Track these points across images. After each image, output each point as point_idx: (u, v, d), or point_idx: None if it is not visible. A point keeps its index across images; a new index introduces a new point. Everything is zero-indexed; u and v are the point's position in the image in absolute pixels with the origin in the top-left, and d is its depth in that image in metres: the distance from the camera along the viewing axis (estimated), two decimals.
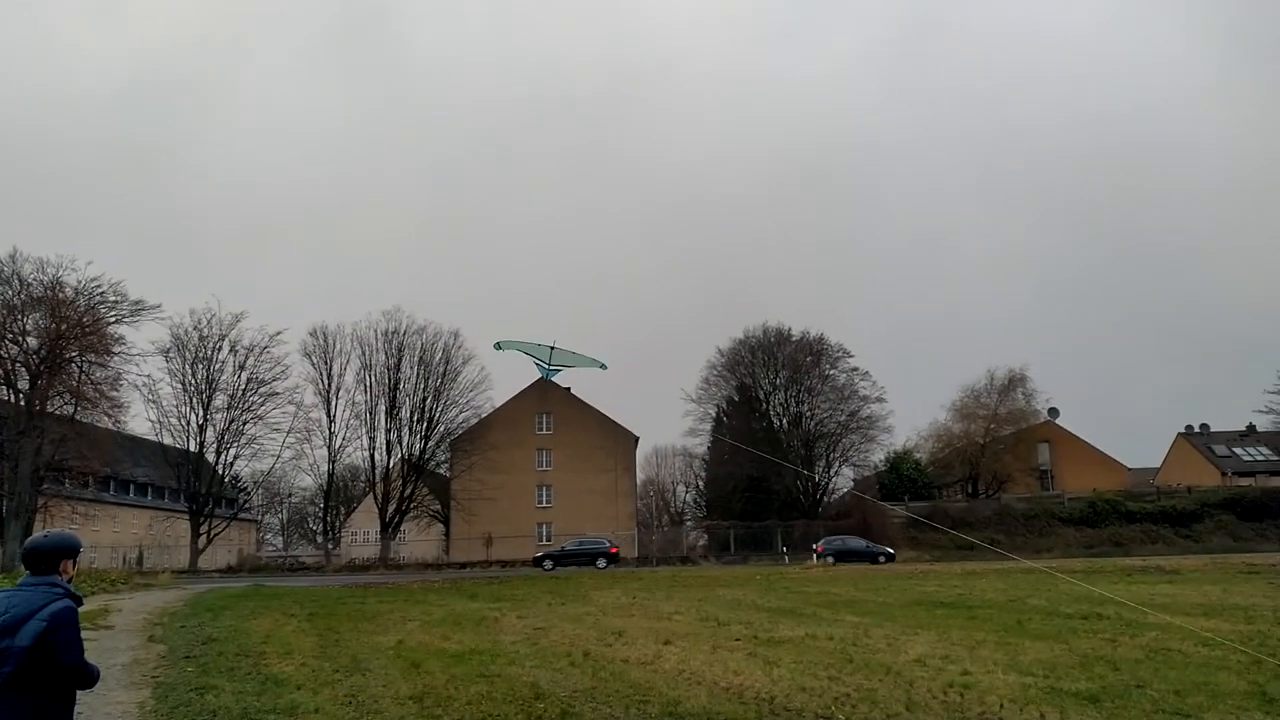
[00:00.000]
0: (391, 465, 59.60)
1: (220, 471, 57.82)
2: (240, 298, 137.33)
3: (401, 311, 60.75)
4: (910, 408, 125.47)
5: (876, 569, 39.84)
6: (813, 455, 62.09)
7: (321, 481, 61.78)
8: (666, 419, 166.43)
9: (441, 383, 60.24)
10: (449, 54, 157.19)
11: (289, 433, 57.24)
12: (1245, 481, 64.24)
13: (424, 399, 59.91)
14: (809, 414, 63.22)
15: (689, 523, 76.22)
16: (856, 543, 47.62)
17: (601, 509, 58.93)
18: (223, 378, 56.10)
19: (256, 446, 57.35)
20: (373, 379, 59.61)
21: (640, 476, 76.82)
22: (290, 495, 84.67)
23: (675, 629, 15.80)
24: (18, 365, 45.67)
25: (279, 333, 56.56)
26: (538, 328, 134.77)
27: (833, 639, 13.93)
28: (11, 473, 43.73)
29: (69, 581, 4.41)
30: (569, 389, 64.87)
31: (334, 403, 59.02)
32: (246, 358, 56.00)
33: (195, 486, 55.62)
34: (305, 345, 59.14)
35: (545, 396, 63.37)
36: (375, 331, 59.86)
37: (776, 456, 59.63)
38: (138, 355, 49.69)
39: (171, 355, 54.83)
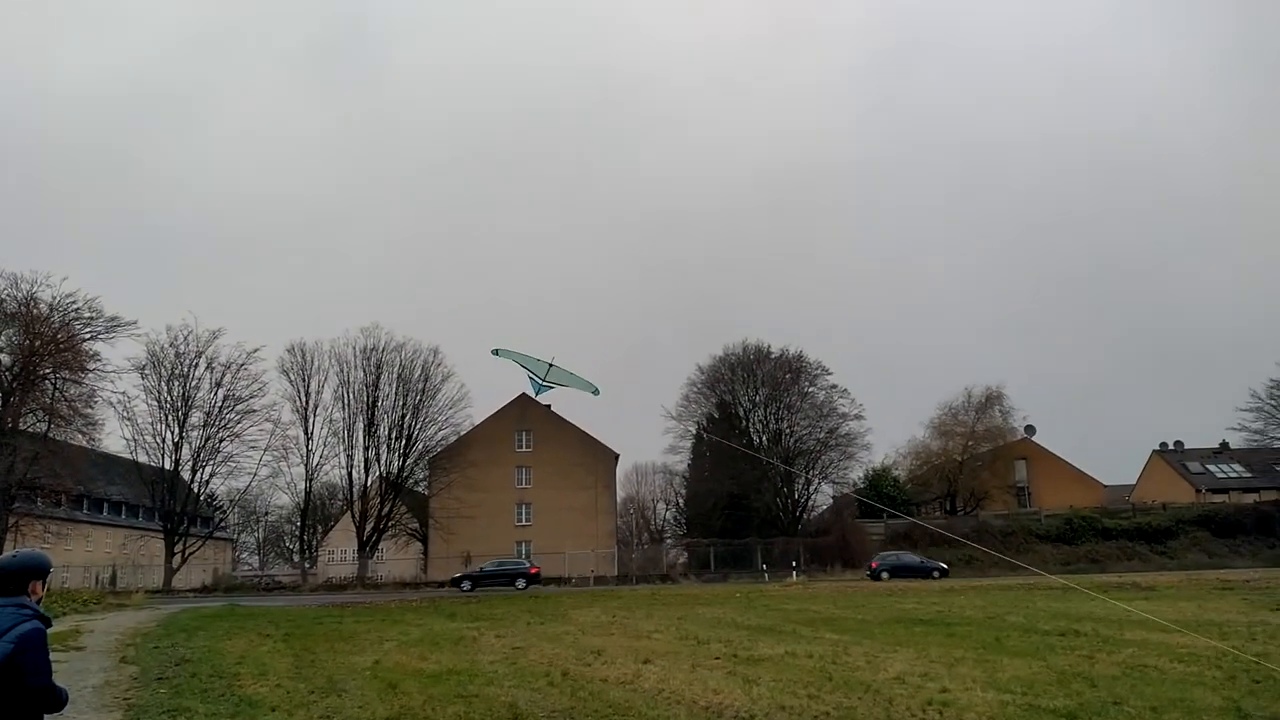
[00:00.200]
0: (369, 483, 59.14)
1: (195, 490, 57.12)
2: (218, 314, 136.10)
3: (380, 328, 60.49)
4: (888, 425, 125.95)
5: (857, 586, 39.86)
6: (792, 472, 62.21)
7: (298, 500, 61.32)
8: (647, 436, 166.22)
9: (420, 400, 60.00)
10: (430, 68, 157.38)
11: (266, 450, 56.78)
12: (1219, 498, 64.91)
13: (403, 416, 59.62)
14: (788, 431, 63.40)
15: (669, 540, 76.07)
16: (911, 558, 47.24)
17: (581, 527, 58.70)
18: (199, 395, 55.65)
19: (233, 464, 56.83)
20: (351, 396, 59.30)
21: (620, 494, 76.76)
22: (267, 514, 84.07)
23: (655, 648, 15.74)
24: None
25: (256, 349, 56.27)
26: (516, 342, 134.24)
27: (812, 657, 13.92)
28: None
29: (38, 602, 4.34)
30: (549, 406, 64.70)
31: (311, 420, 58.65)
32: (223, 375, 55.60)
33: (170, 505, 54.97)
34: (283, 362, 58.81)
35: (525, 414, 63.22)
36: (354, 348, 59.61)
37: (756, 474, 59.89)
38: (113, 372, 49.27)
39: (147, 372, 54.33)
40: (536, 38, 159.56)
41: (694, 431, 66.44)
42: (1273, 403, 59.61)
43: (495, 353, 14.87)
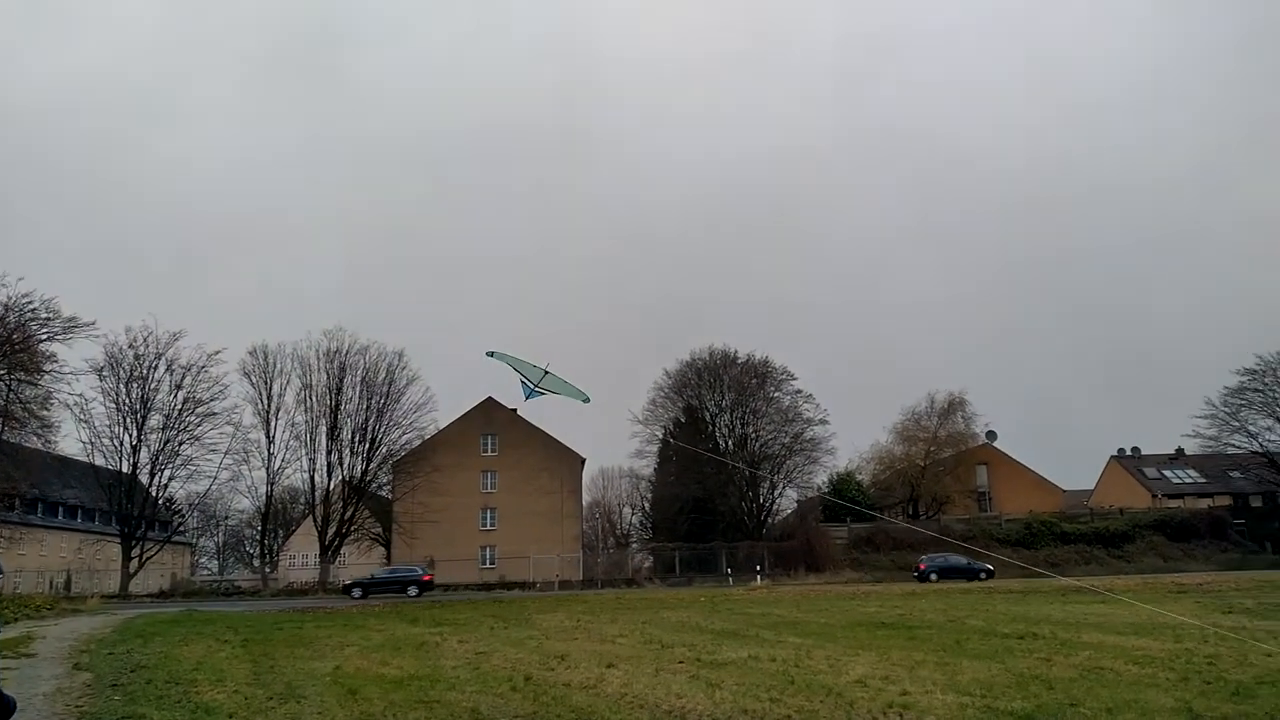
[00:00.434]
0: (332, 487, 58.50)
1: (154, 493, 56.17)
2: (179, 317, 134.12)
3: (343, 331, 59.86)
4: (852, 429, 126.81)
5: (820, 589, 40.06)
6: (758, 477, 62.49)
7: (259, 504, 60.46)
8: (614, 440, 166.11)
9: (384, 403, 59.44)
10: (395, 83, 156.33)
11: (226, 454, 55.94)
12: (1174, 503, 66.21)
13: (366, 419, 59.03)
14: (754, 435, 63.66)
15: (635, 544, 76.12)
16: (957, 560, 47.27)
17: (546, 531, 58.55)
18: (158, 397, 54.71)
19: (192, 468, 55.92)
20: (314, 399, 58.63)
21: (586, 498, 76.59)
22: (227, 518, 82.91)
23: (619, 652, 15.72)
24: None
25: (217, 352, 55.38)
26: (481, 344, 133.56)
27: (775, 660, 13.98)
28: None
29: None
30: (515, 410, 64.50)
31: (273, 423, 57.91)
32: (183, 377, 54.70)
33: (127, 509, 53.98)
34: (244, 365, 58.00)
35: (490, 418, 62.96)
36: (317, 351, 58.97)
37: (722, 478, 60.10)
38: (70, 374, 48.21)
39: (105, 374, 53.26)
40: (503, 51, 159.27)
41: (661, 436, 66.56)
42: (1226, 410, 60.81)
43: (490, 355, 14.73)
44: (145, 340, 53.93)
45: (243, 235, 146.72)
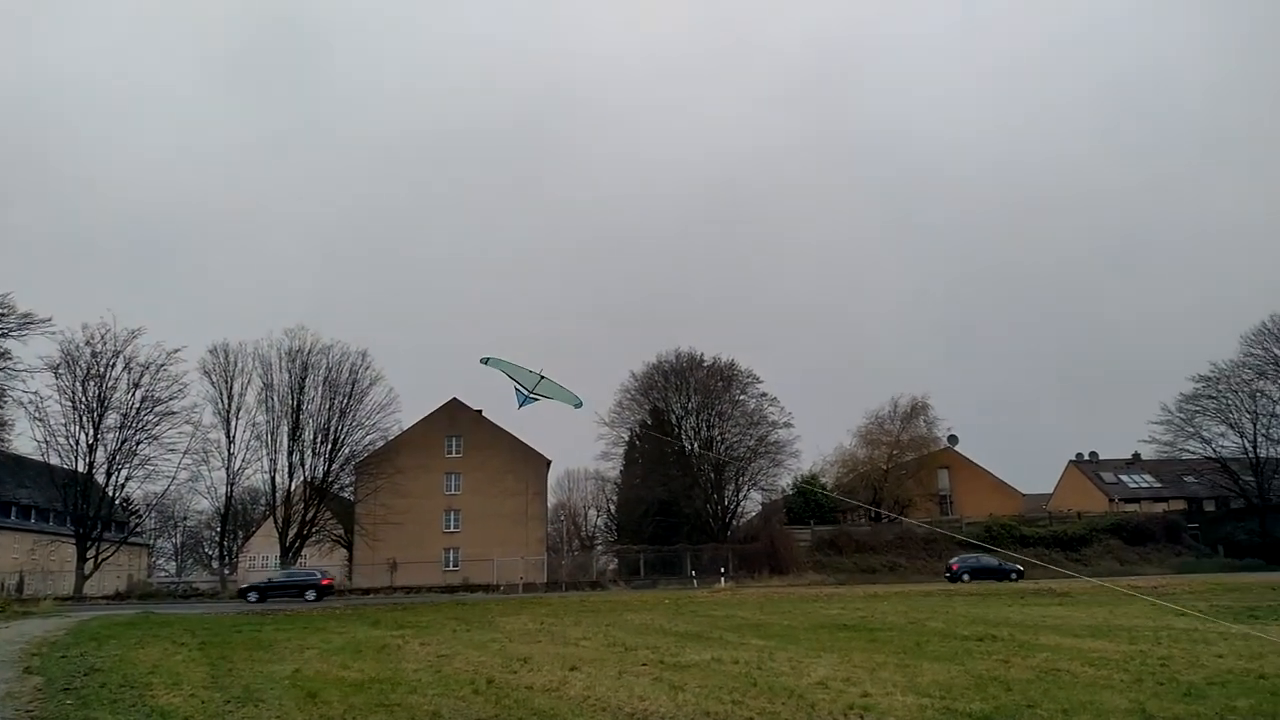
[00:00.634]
0: (293, 488, 57.78)
1: (110, 493, 55.07)
2: (138, 314, 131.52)
3: (306, 330, 59.07)
4: (816, 432, 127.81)
5: (784, 591, 40.24)
6: (723, 479, 62.68)
7: (219, 504, 59.50)
8: (580, 442, 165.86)
9: (347, 404, 58.75)
10: (367, 81, 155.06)
11: (185, 454, 54.86)
12: (1130, 507, 67.38)
13: (329, 420, 58.32)
14: (720, 438, 63.79)
15: (600, 547, 76.00)
16: (989, 561, 47.45)
17: (510, 533, 58.32)
18: (116, 396, 53.52)
19: (150, 468, 54.78)
20: (275, 399, 57.80)
21: (552, 500, 76.38)
22: (185, 519, 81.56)
23: (582, 654, 15.69)
24: None
25: (177, 350, 54.31)
26: (447, 346, 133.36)
27: (738, 662, 14.03)
28: None
29: None
30: (480, 411, 64.22)
31: (234, 423, 56.93)
32: (142, 375, 53.58)
33: (83, 509, 52.81)
34: (204, 363, 56.99)
35: (455, 420, 62.63)
36: (278, 350, 58.22)
37: (687, 480, 60.23)
38: (24, 371, 47.35)
39: (61, 371, 51.99)
40: (476, 53, 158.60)
41: (627, 438, 66.54)
42: (1181, 416, 62.01)
43: (484, 361, 14.59)
44: (103, 337, 52.83)
45: (205, 233, 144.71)
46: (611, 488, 75.09)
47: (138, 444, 53.87)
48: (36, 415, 51.40)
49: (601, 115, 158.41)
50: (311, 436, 58.17)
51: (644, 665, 14.04)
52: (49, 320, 46.29)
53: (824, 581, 48.73)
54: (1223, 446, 60.81)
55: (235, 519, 64.81)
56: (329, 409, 58.44)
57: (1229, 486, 61.86)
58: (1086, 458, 77.15)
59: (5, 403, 47.39)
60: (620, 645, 17.06)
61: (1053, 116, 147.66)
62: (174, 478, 55.69)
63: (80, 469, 53.47)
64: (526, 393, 14.51)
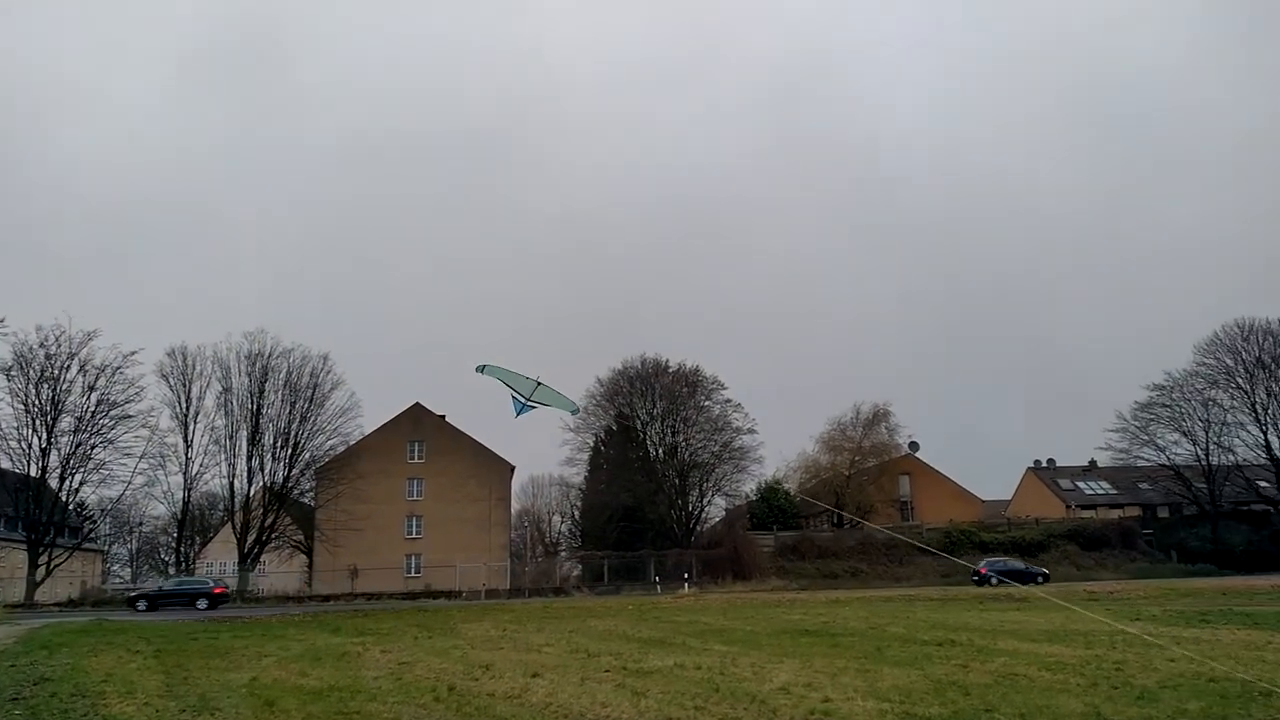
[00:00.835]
0: (252, 493, 57.07)
1: (64, 498, 53.99)
2: (94, 316, 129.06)
3: (265, 333, 58.48)
4: (780, 438, 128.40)
5: (747, 597, 40.40)
6: (687, 485, 62.83)
7: (176, 510, 58.67)
8: (545, 448, 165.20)
9: (308, 408, 58.27)
10: (330, 82, 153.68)
11: (142, 458, 54.03)
12: (1087, 513, 68.46)
13: (289, 424, 57.78)
14: (684, 444, 63.98)
15: (563, 553, 75.80)
16: (1016, 564, 49.64)
17: (473, 539, 57.93)
18: (70, 399, 52.48)
19: (105, 472, 53.81)
20: (234, 403, 57.17)
21: (515, 506, 75.97)
22: (141, 524, 79.90)
23: (544, 661, 15.63)
24: None
25: (133, 352, 53.38)
26: (410, 350, 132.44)
27: (701, 668, 14.05)
28: None
29: None
30: (443, 416, 63.80)
31: (192, 427, 56.31)
32: (97, 378, 52.58)
33: (35, 514, 51.75)
34: (162, 366, 56.27)
35: (418, 425, 62.18)
36: (237, 354, 57.53)
37: (652, 486, 60.28)
38: None
39: (14, 374, 51.08)
40: (443, 56, 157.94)
41: (592, 444, 66.51)
42: (1136, 424, 63.16)
43: (480, 369, 14.50)
44: (57, 339, 51.83)
45: (164, 235, 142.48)
46: (576, 493, 75.02)
47: (92, 448, 52.99)
48: None
49: (564, 123, 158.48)
50: (271, 441, 57.70)
51: (606, 672, 14.01)
52: (1, 321, 45.28)
53: (787, 587, 49.03)
54: (1176, 454, 62.10)
55: (193, 525, 63.82)
56: (289, 413, 58.03)
57: (1182, 493, 63.10)
58: (1044, 465, 78.26)
59: None
60: (583, 652, 17.02)
61: (1011, 129, 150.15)
62: (130, 482, 54.90)
63: (33, 473, 52.44)
64: (524, 400, 14.46)
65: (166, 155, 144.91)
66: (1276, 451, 59.79)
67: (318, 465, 58.76)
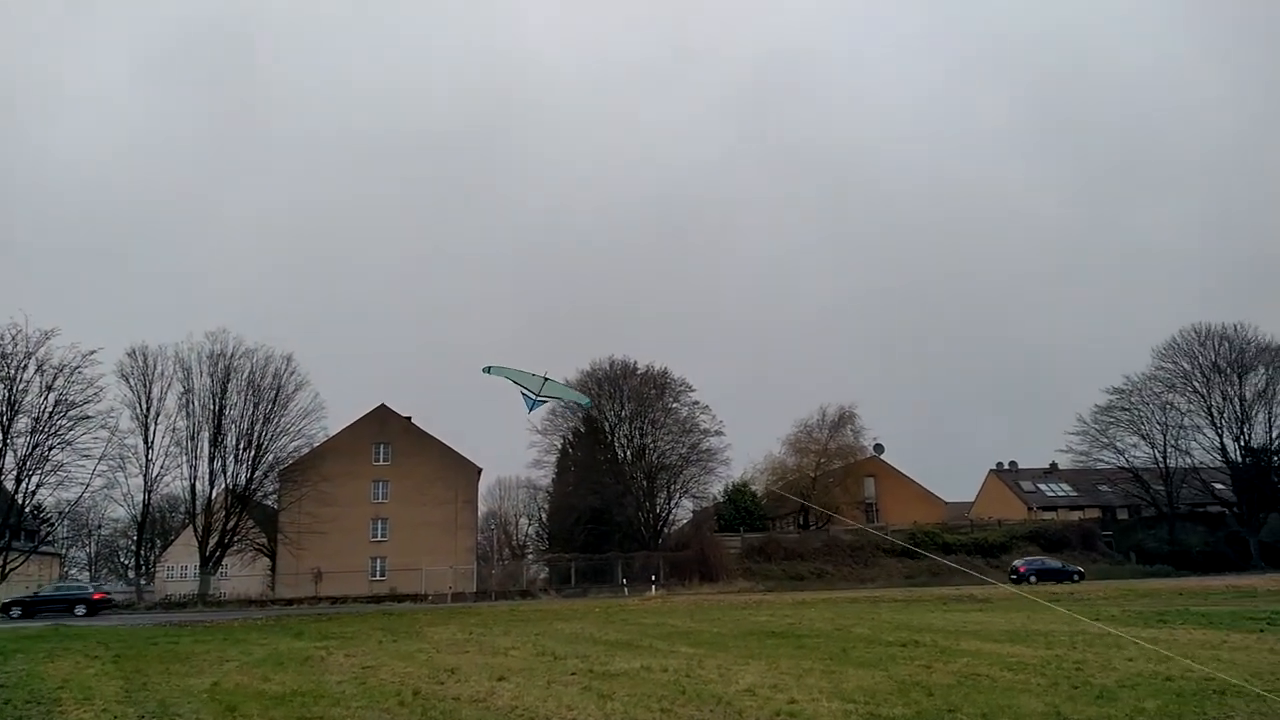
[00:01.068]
0: (214, 496, 56.33)
1: (20, 501, 52.83)
2: (52, 315, 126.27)
3: (228, 333, 57.72)
4: (747, 440, 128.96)
5: (714, 599, 40.48)
6: (655, 487, 62.87)
7: (135, 512, 57.70)
8: (512, 449, 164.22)
9: (272, 409, 57.54)
10: (305, 81, 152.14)
11: (101, 460, 52.94)
12: (1048, 515, 69.47)
13: (252, 426, 57.04)
14: (652, 446, 64.03)
15: (530, 556, 75.52)
16: (1053, 563, 50.84)
17: (439, 542, 57.54)
18: (27, 399, 51.27)
19: (63, 474, 52.61)
20: (196, 404, 56.39)
21: (482, 509, 75.54)
22: (100, 527, 78.59)
23: (510, 664, 15.57)
24: None
25: (93, 352, 52.20)
26: (374, 356, 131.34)
27: (667, 670, 14.07)
28: None
29: None
30: (410, 418, 63.34)
31: (152, 428, 55.38)
32: (55, 378, 51.41)
33: None
34: (122, 367, 55.31)
35: (384, 426, 61.69)
36: (199, 354, 56.74)
37: (619, 488, 60.23)
38: None
39: None
40: (417, 55, 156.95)
41: (559, 446, 66.33)
42: (1096, 427, 64.16)
43: (486, 370, 14.48)
44: (14, 338, 50.70)
45: (124, 233, 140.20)
46: (543, 496, 74.80)
47: (50, 449, 51.77)
48: None
49: (539, 123, 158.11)
50: (234, 442, 56.92)
51: (573, 674, 13.99)
52: None
53: (753, 588, 49.22)
54: (1135, 457, 63.10)
55: (153, 527, 62.91)
56: (252, 414, 57.27)
57: (1141, 495, 64.22)
58: (1006, 467, 79.29)
59: None
60: (549, 654, 16.98)
61: (978, 134, 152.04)
62: (88, 484, 53.80)
63: None
64: (534, 396, 14.48)
65: (131, 153, 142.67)
66: (1231, 454, 61.08)
67: (281, 467, 58.11)
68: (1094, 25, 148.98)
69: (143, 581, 59.78)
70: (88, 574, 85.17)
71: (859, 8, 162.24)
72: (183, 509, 62.09)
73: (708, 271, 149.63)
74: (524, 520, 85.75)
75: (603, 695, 11.76)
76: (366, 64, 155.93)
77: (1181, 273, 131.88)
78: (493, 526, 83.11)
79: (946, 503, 73.65)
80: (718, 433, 64.23)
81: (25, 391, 51.24)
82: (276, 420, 57.78)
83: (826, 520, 66.13)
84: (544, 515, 77.10)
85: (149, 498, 56.62)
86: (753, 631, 21.36)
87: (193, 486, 56.43)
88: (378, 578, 56.87)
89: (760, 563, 57.18)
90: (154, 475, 55.50)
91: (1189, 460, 62.43)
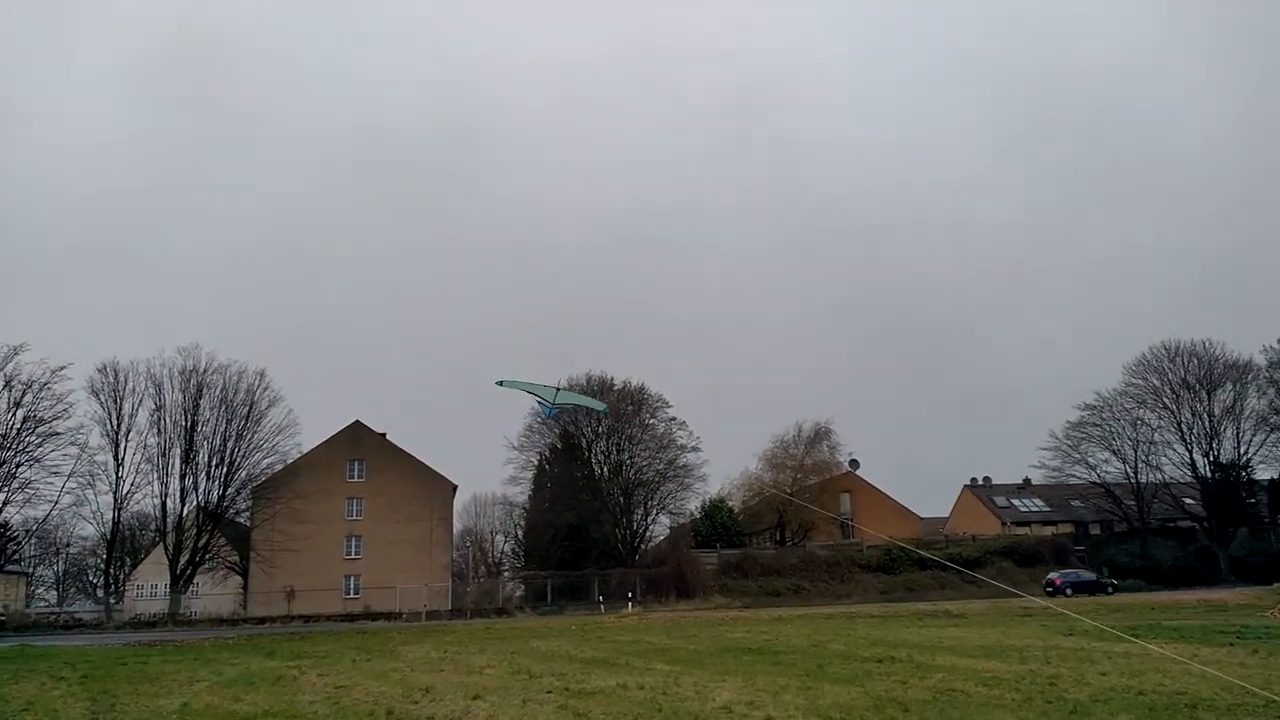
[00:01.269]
0: (185, 513, 55.54)
1: None
2: (20, 329, 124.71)
3: (200, 349, 57.10)
4: (724, 456, 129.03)
5: (690, 616, 40.42)
6: (631, 503, 62.72)
7: (105, 530, 56.84)
8: (488, 466, 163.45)
9: (244, 425, 56.94)
10: (275, 90, 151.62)
11: (70, 477, 52.23)
12: (1022, 530, 69.90)
13: (224, 442, 56.42)
14: (629, 462, 63.89)
15: (506, 573, 75.05)
16: (1088, 575, 51.47)
17: (414, 560, 57.03)
18: None
19: (31, 491, 51.76)
20: (168, 420, 55.69)
21: (457, 526, 75.08)
22: (68, 545, 77.38)
23: (486, 683, 15.46)
24: None
25: (62, 368, 51.52)
26: (358, 367, 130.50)
27: (644, 688, 14.02)
28: None
29: None
30: (384, 434, 62.89)
31: (123, 445, 54.62)
32: (23, 394, 50.71)
33: None
34: (93, 382, 54.53)
35: (358, 443, 61.18)
36: (171, 370, 56.11)
37: (596, 505, 60.05)
38: None
39: None
40: (385, 59, 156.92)
41: (536, 462, 66.08)
42: (1068, 443, 64.70)
43: (500, 384, 14.55)
44: None
45: (92, 246, 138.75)
46: (519, 513, 74.30)
47: (17, 466, 50.96)
48: None
49: (507, 140, 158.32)
50: (206, 459, 56.28)
51: (549, 693, 13.91)
52: None
53: (730, 605, 49.17)
54: (1107, 472, 63.65)
55: (123, 545, 61.94)
56: (225, 430, 56.64)
57: (1113, 510, 64.79)
58: (980, 482, 79.80)
59: None
60: (525, 673, 16.87)
61: (946, 146, 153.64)
62: (57, 502, 53.08)
63: None
64: (550, 404, 14.62)
65: (95, 161, 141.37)
66: (1201, 470, 61.79)
67: (254, 484, 57.45)
68: (1061, 24, 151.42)
69: (112, 600, 58.77)
70: (55, 593, 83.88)
71: (830, 17, 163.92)
72: (153, 526, 61.21)
73: (680, 286, 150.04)
74: (500, 537, 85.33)
75: (578, 714, 11.71)
76: (329, 68, 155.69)
77: (1157, 288, 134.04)
78: (468, 544, 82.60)
79: (921, 518, 73.96)
80: (694, 449, 64.31)
81: None
82: (249, 437, 57.26)
83: (803, 535, 66.27)
84: (520, 532, 76.67)
85: (119, 515, 55.83)
86: (729, 648, 21.33)
87: (163, 504, 55.68)
88: (351, 596, 56.26)
89: (737, 579, 57.11)
90: (124, 492, 54.78)
91: (1160, 475, 63.09)
